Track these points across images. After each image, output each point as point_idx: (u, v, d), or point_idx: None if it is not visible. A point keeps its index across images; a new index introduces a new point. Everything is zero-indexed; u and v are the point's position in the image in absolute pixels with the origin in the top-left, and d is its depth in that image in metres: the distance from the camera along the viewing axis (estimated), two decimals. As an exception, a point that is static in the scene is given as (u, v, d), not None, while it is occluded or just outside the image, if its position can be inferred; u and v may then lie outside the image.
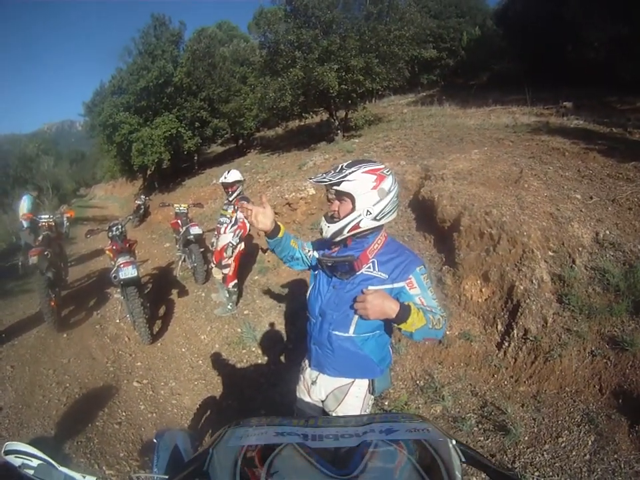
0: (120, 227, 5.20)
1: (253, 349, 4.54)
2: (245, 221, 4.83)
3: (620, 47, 10.43)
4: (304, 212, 7.16)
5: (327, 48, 10.45)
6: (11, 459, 1.18)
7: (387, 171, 1.76)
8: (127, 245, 5.10)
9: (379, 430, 0.89)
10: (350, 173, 1.69)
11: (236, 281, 5.23)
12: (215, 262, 5.25)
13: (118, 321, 5.41)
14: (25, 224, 6.22)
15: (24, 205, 6.54)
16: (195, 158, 18.86)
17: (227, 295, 5.29)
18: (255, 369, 4.24)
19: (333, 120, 12.11)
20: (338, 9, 10.88)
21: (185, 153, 17.30)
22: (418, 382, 3.59)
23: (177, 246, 6.96)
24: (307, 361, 2.05)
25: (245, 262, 6.00)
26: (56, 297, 5.25)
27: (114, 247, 4.97)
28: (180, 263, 6.80)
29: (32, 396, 3.88)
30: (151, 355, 4.62)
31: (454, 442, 0.86)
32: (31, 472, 1.15)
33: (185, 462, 1.03)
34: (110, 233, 5.15)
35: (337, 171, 1.73)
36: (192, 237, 6.12)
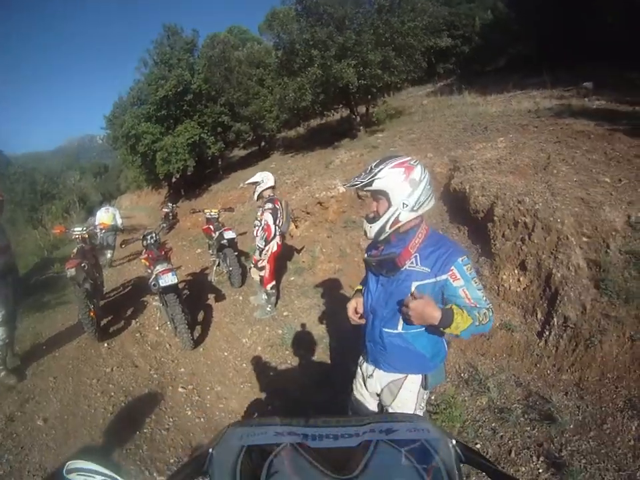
0: (154, 235, 5.28)
1: (296, 350, 4.55)
2: (270, 223, 4.88)
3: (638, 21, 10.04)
4: (335, 210, 7.20)
5: (343, 44, 10.48)
6: (74, 477, 1.14)
7: (414, 162, 1.80)
8: (163, 253, 5.12)
9: (379, 430, 0.91)
10: (379, 171, 1.75)
11: (273, 282, 5.29)
12: (253, 263, 5.33)
13: (157, 328, 5.42)
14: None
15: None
16: (219, 163, 19.04)
17: (266, 297, 5.32)
18: (299, 369, 4.25)
19: (354, 116, 12.15)
20: (349, 5, 10.86)
21: (209, 158, 17.49)
22: (462, 375, 3.63)
23: (211, 251, 7.01)
24: (363, 356, 2.13)
25: (281, 263, 6.04)
26: (94, 307, 5.21)
27: (150, 256, 4.99)
28: (214, 267, 6.86)
29: (77, 406, 3.86)
30: (194, 360, 4.63)
31: (454, 442, 0.88)
32: None
33: (184, 461, 1.07)
34: (145, 242, 5.22)
35: (367, 172, 1.79)
36: (226, 241, 6.15)
